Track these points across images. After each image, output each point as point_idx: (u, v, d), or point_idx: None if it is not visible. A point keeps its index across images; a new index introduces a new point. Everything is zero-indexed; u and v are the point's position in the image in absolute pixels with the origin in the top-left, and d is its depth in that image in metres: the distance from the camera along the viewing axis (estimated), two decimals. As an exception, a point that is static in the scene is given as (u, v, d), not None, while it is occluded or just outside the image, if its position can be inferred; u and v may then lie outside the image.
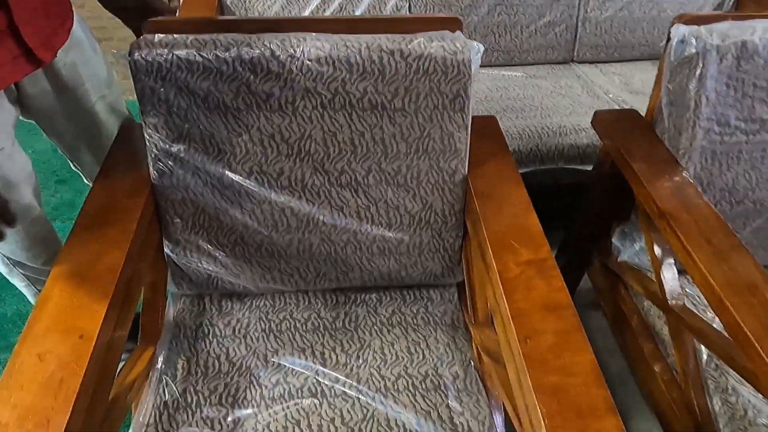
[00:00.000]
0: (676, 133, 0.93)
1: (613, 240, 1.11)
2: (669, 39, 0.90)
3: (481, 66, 1.64)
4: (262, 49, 0.78)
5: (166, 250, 0.90)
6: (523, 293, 0.70)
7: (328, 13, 1.46)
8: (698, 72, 0.87)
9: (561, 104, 1.44)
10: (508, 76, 1.57)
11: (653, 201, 0.86)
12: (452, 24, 0.85)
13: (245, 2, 1.43)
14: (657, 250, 0.95)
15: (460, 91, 0.83)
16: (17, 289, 1.07)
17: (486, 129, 0.98)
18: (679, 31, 0.89)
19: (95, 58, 0.98)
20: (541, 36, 1.59)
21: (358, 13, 1.47)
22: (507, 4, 1.53)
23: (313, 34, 0.81)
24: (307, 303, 0.95)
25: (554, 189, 1.36)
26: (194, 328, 0.91)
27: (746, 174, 0.94)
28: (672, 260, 0.94)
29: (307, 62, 0.78)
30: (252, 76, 0.79)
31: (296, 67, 0.79)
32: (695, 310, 0.91)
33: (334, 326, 0.91)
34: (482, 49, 0.84)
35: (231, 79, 0.78)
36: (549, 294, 0.70)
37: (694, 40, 0.87)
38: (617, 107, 1.43)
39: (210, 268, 0.91)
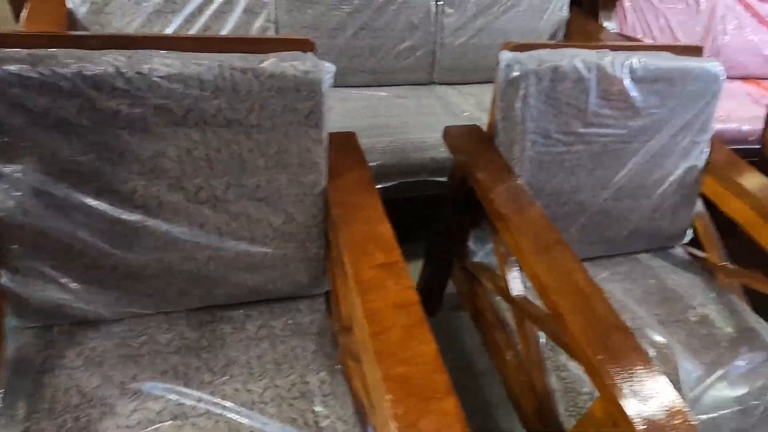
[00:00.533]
0: (509, 145, 1.06)
1: (469, 244, 1.22)
2: (498, 63, 1.03)
3: (349, 86, 1.72)
4: (106, 66, 0.76)
5: (3, 279, 0.83)
6: (375, 293, 0.75)
7: (191, 33, 1.44)
8: (522, 92, 1.01)
9: (423, 122, 1.56)
10: (375, 96, 1.66)
11: (493, 206, 0.97)
12: (304, 45, 0.90)
13: (100, 18, 1.36)
14: (502, 249, 1.07)
15: (314, 108, 0.87)
16: None
17: (345, 144, 1.04)
18: (506, 56, 1.02)
19: None
20: (403, 59, 1.71)
21: (223, 33, 1.47)
22: (370, 29, 1.63)
23: (163, 51, 0.81)
24: (170, 324, 0.92)
25: (419, 199, 1.45)
26: (40, 362, 0.84)
27: (568, 180, 1.10)
28: (515, 258, 1.06)
29: (156, 79, 0.78)
30: (96, 93, 0.76)
31: (145, 85, 0.78)
32: (533, 300, 1.03)
33: (199, 345, 0.89)
34: (333, 69, 0.89)
35: (72, 95, 0.76)
36: (398, 293, 0.75)
37: (517, 65, 1.00)
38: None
39: (57, 296, 0.85)
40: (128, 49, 0.80)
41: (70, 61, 0.75)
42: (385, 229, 0.86)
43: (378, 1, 1.60)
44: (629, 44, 1.13)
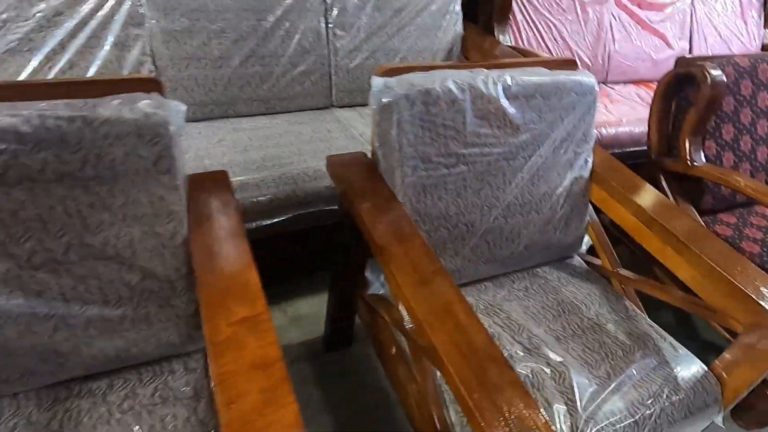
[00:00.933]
0: (390, 171, 1.03)
1: (366, 274, 1.18)
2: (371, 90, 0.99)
3: (242, 116, 1.64)
4: None
5: None
6: (232, 355, 0.68)
7: (54, 72, 1.33)
8: (395, 117, 0.98)
9: (319, 148, 1.51)
10: (269, 124, 1.60)
11: (371, 237, 0.92)
12: (149, 85, 0.83)
13: (-59, 61, 1.23)
14: (394, 280, 1.02)
15: (163, 153, 0.80)
16: None
17: (213, 185, 0.96)
18: (376, 82, 0.98)
19: None
20: (298, 84, 1.66)
21: (92, 71, 1.37)
22: (258, 56, 1.57)
23: (-29, 103, 0.71)
24: (15, 409, 0.81)
25: (317, 230, 1.40)
26: None
27: (455, 202, 1.08)
28: (407, 287, 1.02)
29: (-39, 136, 0.68)
30: None
31: (-54, 143, 0.68)
32: (429, 331, 0.99)
33: (48, 430, 0.79)
34: (183, 108, 0.83)
35: None
36: (259, 351, 0.69)
37: (387, 91, 0.97)
38: (368, 147, 1.54)
39: None
40: (-68, 102, 0.70)
41: None
42: (251, 277, 0.79)
43: (264, 27, 1.55)
44: (502, 62, 1.13)
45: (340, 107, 1.76)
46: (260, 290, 0.78)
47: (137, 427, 0.80)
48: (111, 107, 0.76)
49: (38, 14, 1.29)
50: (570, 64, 1.21)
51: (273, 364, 0.68)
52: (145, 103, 0.79)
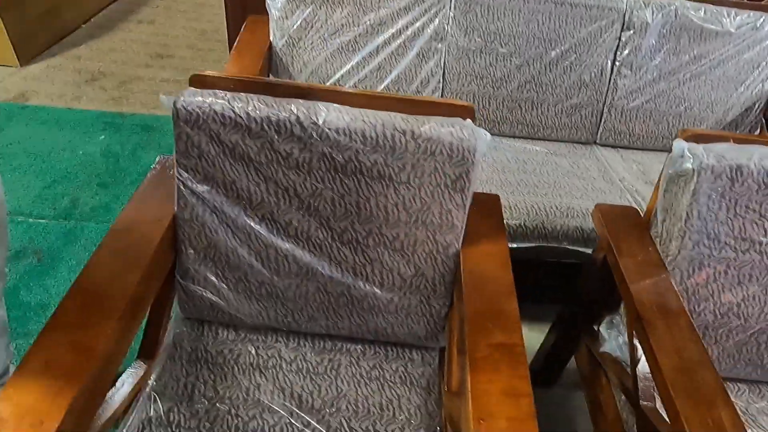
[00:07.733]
0: (667, 239, 0.97)
1: (601, 329, 1.14)
2: (671, 151, 0.95)
3: (504, 136, 1.71)
4: (289, 114, 0.87)
5: (176, 275, 0.98)
6: (487, 375, 0.75)
7: (365, 71, 1.56)
8: (692, 187, 0.92)
9: (575, 185, 1.49)
10: (529, 150, 1.63)
11: (632, 302, 0.90)
12: (465, 112, 0.93)
13: (293, 51, 1.55)
14: (639, 352, 0.98)
15: (462, 175, 0.90)
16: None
17: (488, 207, 1.04)
18: (679, 145, 0.94)
19: None
20: (566, 116, 1.65)
21: (393, 74, 1.57)
22: (536, 83, 1.61)
23: (336, 105, 0.89)
24: (296, 344, 1.01)
25: (556, 266, 1.40)
26: (189, 351, 0.98)
27: (732, 289, 0.97)
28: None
29: (327, 130, 0.87)
30: (276, 136, 0.88)
31: (316, 133, 0.87)
32: (665, 416, 0.93)
33: (316, 371, 0.97)
34: (489, 137, 0.91)
35: (257, 136, 0.88)
36: (511, 379, 0.74)
37: (691, 157, 0.92)
38: (628, 196, 1.47)
39: (213, 299, 0.99)
40: (309, 98, 0.91)
41: (261, 107, 0.87)
42: (512, 307, 0.85)
43: (549, 57, 1.58)
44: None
45: (603, 146, 1.71)
46: (518, 321, 0.83)
47: (380, 396, 0.93)
48: (434, 128, 0.88)
49: (367, 22, 1.53)
50: None
51: (522, 396, 0.72)
52: (460, 129, 0.89)
